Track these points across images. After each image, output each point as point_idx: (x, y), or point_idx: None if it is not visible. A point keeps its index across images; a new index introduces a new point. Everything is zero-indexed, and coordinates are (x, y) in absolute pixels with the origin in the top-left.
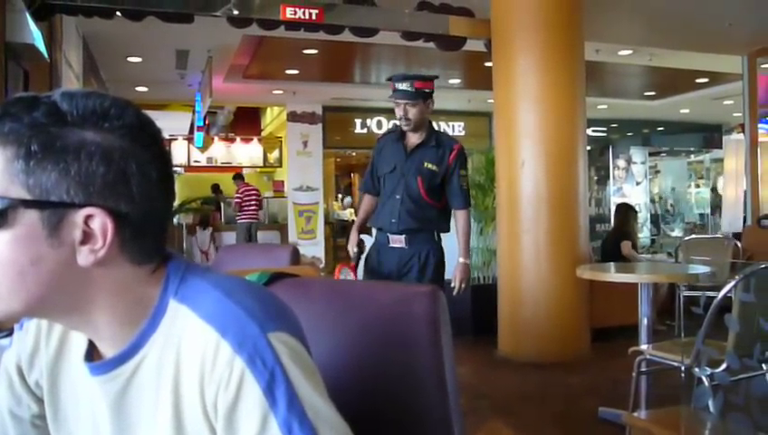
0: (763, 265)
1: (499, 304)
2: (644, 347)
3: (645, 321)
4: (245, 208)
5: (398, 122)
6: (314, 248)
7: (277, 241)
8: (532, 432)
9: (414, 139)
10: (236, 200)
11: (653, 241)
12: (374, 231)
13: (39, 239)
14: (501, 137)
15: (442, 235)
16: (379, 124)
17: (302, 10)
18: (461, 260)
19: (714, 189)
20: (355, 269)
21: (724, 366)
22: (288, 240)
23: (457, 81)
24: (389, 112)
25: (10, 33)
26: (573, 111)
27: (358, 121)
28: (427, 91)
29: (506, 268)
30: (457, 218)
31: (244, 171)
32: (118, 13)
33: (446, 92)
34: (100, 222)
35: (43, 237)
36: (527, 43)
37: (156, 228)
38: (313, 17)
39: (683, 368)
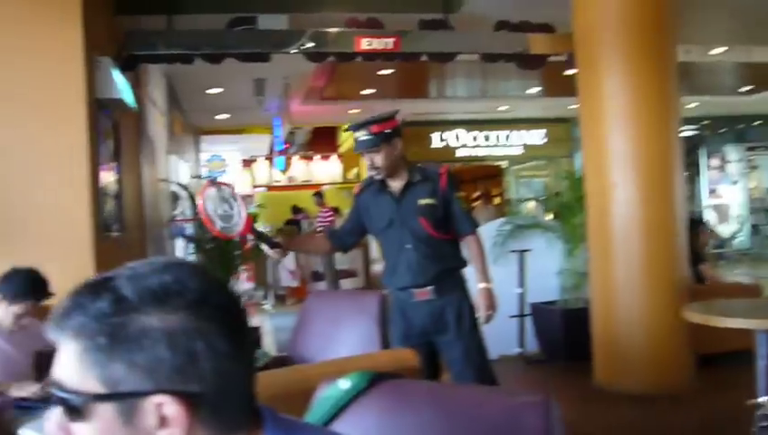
0: None
1: (593, 331)
2: (763, 399)
3: (763, 368)
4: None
5: (372, 173)
6: None
7: (359, 261)
8: None
9: (398, 183)
10: (320, 222)
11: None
12: (387, 293)
13: (116, 429)
14: (589, 157)
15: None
16: (458, 137)
17: (378, 40)
18: (482, 286)
19: None
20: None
21: None
22: (369, 257)
23: (536, 89)
24: (468, 124)
25: (99, 90)
26: (667, 127)
27: (435, 135)
28: (387, 132)
29: (599, 293)
30: (469, 244)
31: (324, 188)
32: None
33: (525, 102)
34: (172, 408)
35: (120, 426)
36: (614, 56)
37: (238, 396)
38: (389, 46)
39: None
